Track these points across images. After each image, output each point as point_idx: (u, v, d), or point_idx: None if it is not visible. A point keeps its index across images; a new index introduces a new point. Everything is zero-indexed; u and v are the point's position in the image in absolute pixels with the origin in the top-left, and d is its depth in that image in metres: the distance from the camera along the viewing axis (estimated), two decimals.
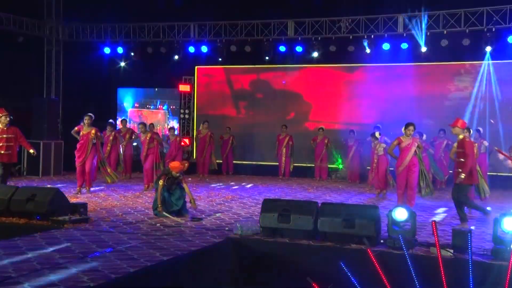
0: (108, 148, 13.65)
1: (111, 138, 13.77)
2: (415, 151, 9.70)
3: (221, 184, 13.83)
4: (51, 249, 6.11)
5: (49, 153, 15.11)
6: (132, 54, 17.12)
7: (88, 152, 11.15)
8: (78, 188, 11.32)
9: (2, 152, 10.38)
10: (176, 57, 16.63)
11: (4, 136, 10.45)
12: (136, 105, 19.48)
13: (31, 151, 10.78)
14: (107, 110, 18.62)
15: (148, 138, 12.23)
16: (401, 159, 9.74)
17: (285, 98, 17.07)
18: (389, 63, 15.60)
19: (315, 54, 15.50)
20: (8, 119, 10.62)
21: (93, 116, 11.51)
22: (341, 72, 16.60)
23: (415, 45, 14.55)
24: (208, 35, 16.57)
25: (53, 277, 4.90)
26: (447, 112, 15.18)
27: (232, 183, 14.16)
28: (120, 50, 17.13)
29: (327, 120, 16.31)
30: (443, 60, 15.14)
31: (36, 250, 6.03)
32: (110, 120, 14.70)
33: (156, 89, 19.35)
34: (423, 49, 14.35)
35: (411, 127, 9.68)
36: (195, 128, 17.77)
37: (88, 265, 5.41)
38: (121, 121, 15.46)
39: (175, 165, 8.77)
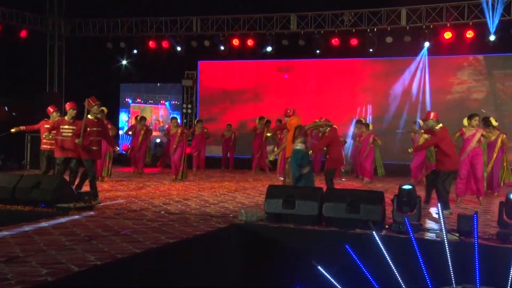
0: (139, 141, 13.91)
1: (142, 132, 14.05)
2: (479, 141, 9.64)
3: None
4: (57, 233, 6.12)
5: None
6: (135, 49, 17.14)
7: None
8: (98, 177, 11.75)
9: (94, 148, 8.97)
10: (179, 49, 16.62)
11: (95, 129, 8.92)
12: (138, 100, 19.50)
13: (117, 149, 10.68)
14: (109, 106, 18.64)
15: (179, 132, 12.61)
16: (463, 149, 9.63)
17: (287, 92, 17.06)
18: (391, 57, 15.61)
19: (318, 48, 15.50)
20: (100, 109, 9.52)
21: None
22: (344, 65, 16.59)
23: (418, 37, 14.56)
24: (210, 29, 16.59)
25: (60, 257, 4.91)
26: (450, 105, 15.22)
27: None
28: (122, 45, 17.14)
29: (329, 114, 16.25)
30: (445, 53, 15.13)
31: (42, 234, 6.04)
32: (142, 115, 15.07)
33: (158, 84, 19.37)
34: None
35: (476, 118, 9.61)
36: None
37: (94, 246, 5.42)
38: (135, 118, 15.45)
39: (297, 119, 9.36)
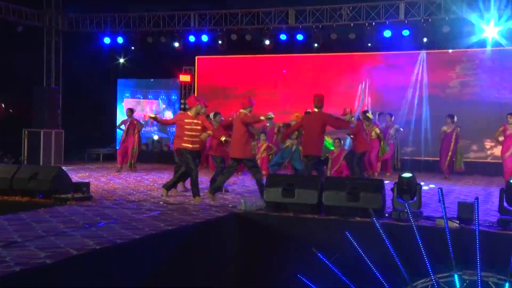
0: None
1: None
2: None
3: None
4: (55, 220, 6.08)
5: (49, 142, 15.05)
6: (132, 44, 17.06)
7: (125, 137, 13.10)
8: (119, 166, 12.87)
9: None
10: (177, 44, 16.54)
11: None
12: (136, 95, 19.45)
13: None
14: (106, 101, 18.62)
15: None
16: (507, 146, 10.42)
17: (286, 87, 17.00)
18: (390, 51, 15.57)
19: (316, 43, 15.46)
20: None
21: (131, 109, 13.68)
22: (343, 60, 16.55)
23: (416, 32, 14.53)
24: (208, 24, 16.50)
25: (58, 242, 4.87)
26: (449, 100, 15.19)
27: None
28: (120, 40, 17.06)
29: (326, 108, 16.15)
30: (444, 47, 15.08)
31: (41, 221, 6.01)
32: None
33: (152, 80, 19.30)
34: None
35: None
36: None
37: (93, 233, 5.39)
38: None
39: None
